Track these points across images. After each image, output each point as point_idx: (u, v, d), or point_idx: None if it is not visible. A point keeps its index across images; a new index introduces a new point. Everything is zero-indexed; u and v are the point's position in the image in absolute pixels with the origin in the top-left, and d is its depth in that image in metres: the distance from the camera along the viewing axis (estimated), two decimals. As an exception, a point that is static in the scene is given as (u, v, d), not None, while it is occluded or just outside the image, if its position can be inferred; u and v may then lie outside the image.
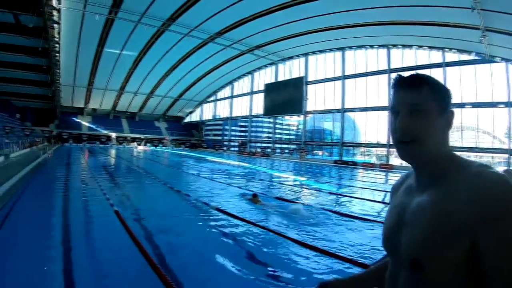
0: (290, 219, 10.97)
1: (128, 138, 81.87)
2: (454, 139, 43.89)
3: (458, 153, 1.38)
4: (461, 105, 40.84)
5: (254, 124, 76.69)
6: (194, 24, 45.46)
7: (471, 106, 40.83)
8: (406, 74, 1.40)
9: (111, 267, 6.47)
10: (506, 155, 38.12)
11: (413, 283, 1.29)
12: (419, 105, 1.30)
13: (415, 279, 1.27)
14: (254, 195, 13.91)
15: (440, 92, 1.34)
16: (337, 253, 7.68)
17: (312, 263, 7.15)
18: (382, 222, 1.63)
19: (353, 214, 12.33)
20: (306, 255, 7.59)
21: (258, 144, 74.34)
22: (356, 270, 6.87)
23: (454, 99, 31.05)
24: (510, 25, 29.32)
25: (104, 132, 79.19)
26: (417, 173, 1.40)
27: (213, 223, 10.10)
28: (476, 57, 40.24)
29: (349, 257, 7.47)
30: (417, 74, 1.36)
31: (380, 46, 49.68)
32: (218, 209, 11.75)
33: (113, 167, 27.75)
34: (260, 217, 11.03)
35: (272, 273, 6.56)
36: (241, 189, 17.20)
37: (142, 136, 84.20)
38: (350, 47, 52.99)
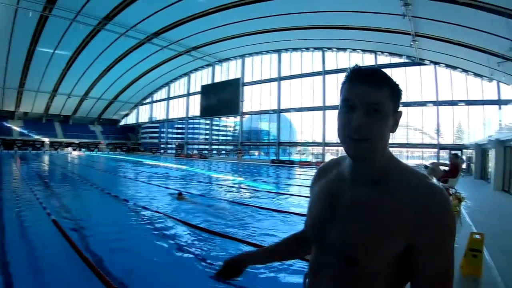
0: (216, 216, 11.76)
1: (62, 143, 77.18)
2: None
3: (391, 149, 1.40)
4: None
5: (191, 126, 76.03)
6: (131, 23, 44.45)
7: (402, 105, 41.54)
8: (363, 67, 1.36)
9: (51, 275, 6.43)
10: (435, 150, 42.23)
11: (344, 277, 1.32)
12: (379, 105, 1.28)
13: (347, 273, 1.31)
14: (180, 194, 15.21)
15: (397, 93, 1.35)
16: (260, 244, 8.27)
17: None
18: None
19: (281, 209, 13.17)
20: (233, 247, 8.18)
21: (195, 146, 73.85)
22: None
23: None
24: (438, 31, 31.36)
25: (37, 137, 73.44)
26: (357, 167, 1.39)
27: (149, 226, 10.27)
28: (407, 60, 43.07)
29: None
30: (379, 71, 1.33)
31: (315, 48, 51.06)
32: (157, 211, 12.03)
33: (48, 175, 26.40)
34: (191, 216, 11.42)
35: (204, 266, 6.91)
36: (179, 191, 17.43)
37: (76, 141, 78.15)
38: (286, 50, 53.94)
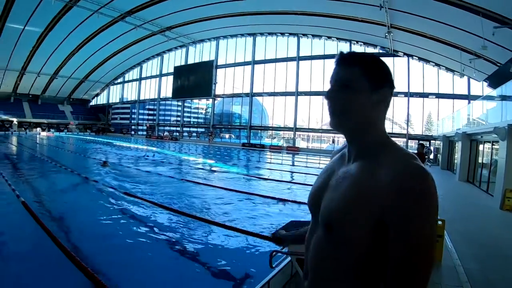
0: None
1: (31, 123, 74.05)
2: None
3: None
4: None
5: (162, 107, 74.67)
6: (104, 1, 43.17)
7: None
8: (348, 52, 1.48)
9: (22, 257, 6.47)
10: (404, 140, 43.05)
11: (323, 243, 1.42)
12: (348, 81, 1.39)
13: (326, 239, 1.40)
14: (104, 162, 17.66)
15: (373, 72, 1.41)
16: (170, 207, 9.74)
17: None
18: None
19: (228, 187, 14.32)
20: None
21: (167, 128, 73.31)
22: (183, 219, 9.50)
23: None
24: (414, 24, 31.94)
25: (4, 117, 70.15)
26: (349, 145, 1.50)
27: (118, 206, 10.69)
28: (381, 51, 43.65)
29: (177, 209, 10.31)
30: (355, 54, 1.45)
31: (290, 34, 51.13)
32: (126, 193, 12.33)
33: (16, 156, 25.97)
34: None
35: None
36: (149, 173, 18.00)
37: (45, 121, 75.57)
38: (262, 34, 53.89)
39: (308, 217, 1.71)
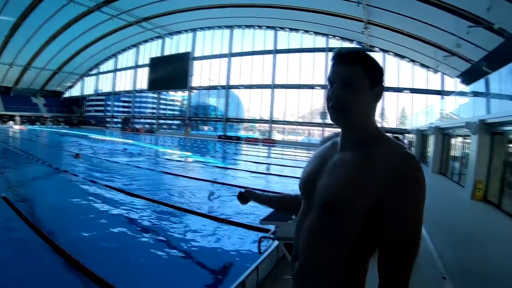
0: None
1: (3, 116, 71.29)
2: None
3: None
4: None
5: (138, 99, 73.86)
6: (81, -11, 42.16)
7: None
8: (344, 49, 1.54)
9: (7, 250, 6.50)
10: None
11: (318, 225, 1.49)
12: (350, 79, 1.46)
13: (323, 220, 1.46)
14: (77, 154, 17.82)
15: (373, 70, 1.50)
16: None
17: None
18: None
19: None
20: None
21: (142, 120, 72.65)
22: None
23: None
24: (390, 21, 32.59)
25: None
26: (344, 135, 1.57)
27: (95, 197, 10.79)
28: (357, 46, 44.40)
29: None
30: (354, 52, 1.52)
31: (268, 27, 51.27)
32: (107, 186, 12.39)
33: None
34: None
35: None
36: (120, 164, 18.22)
37: (18, 114, 72.78)
38: (239, 26, 53.82)
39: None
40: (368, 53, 1.55)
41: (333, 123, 1.55)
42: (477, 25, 22.41)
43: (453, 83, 38.41)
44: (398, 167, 1.34)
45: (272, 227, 4.56)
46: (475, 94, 16.35)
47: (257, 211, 9.34)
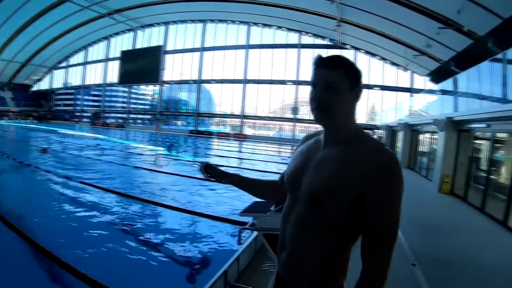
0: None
1: None
2: (304, 112, 48.20)
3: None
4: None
5: (108, 93, 72.00)
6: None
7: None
8: (326, 55, 1.65)
9: None
10: None
11: (306, 218, 1.61)
12: (333, 83, 1.55)
13: (311, 213, 1.58)
14: (44, 149, 17.92)
15: (352, 73, 1.60)
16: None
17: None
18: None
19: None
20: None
21: (112, 115, 71.53)
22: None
23: (306, 78, 35.77)
24: (363, 20, 33.13)
25: None
26: (327, 133, 1.69)
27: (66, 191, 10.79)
28: (330, 43, 45.85)
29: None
30: (335, 57, 1.62)
31: (241, 22, 51.43)
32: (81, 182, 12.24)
33: None
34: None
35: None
36: (90, 159, 18.26)
37: None
38: (212, 20, 53.74)
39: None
40: (347, 57, 1.67)
41: (316, 122, 1.65)
42: (447, 26, 23.08)
43: (422, 82, 39.95)
44: (380, 163, 1.47)
45: (250, 219, 4.67)
46: (444, 92, 17.01)
47: (234, 206, 9.73)
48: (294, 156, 1.89)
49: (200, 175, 2.34)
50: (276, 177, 2.22)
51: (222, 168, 2.34)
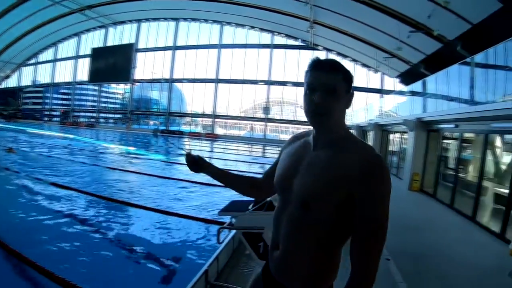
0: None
1: None
2: (275, 112, 48.68)
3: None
4: (283, 83, 49.80)
5: (78, 91, 70.75)
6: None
7: (291, 85, 49.29)
8: (323, 58, 1.68)
9: None
10: None
11: (299, 219, 1.63)
12: (334, 87, 1.57)
13: (303, 215, 1.61)
14: (10, 148, 18.03)
15: (349, 78, 1.63)
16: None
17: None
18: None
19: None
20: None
21: (82, 114, 70.05)
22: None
23: (277, 78, 38.86)
24: (335, 22, 33.85)
25: None
26: (319, 136, 1.70)
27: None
28: (302, 44, 46.96)
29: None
30: (335, 62, 1.63)
31: (214, 21, 51.46)
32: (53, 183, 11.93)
33: None
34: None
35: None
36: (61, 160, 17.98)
37: None
38: (185, 19, 53.53)
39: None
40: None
41: (312, 125, 1.69)
42: (418, 30, 23.90)
43: (392, 83, 41.38)
44: (367, 164, 1.51)
45: (228, 219, 4.67)
46: (413, 93, 17.54)
47: (212, 206, 9.98)
48: (282, 157, 1.92)
49: (185, 167, 2.29)
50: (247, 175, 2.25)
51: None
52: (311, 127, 1.74)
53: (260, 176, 2.24)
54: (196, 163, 2.20)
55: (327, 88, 1.58)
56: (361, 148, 1.60)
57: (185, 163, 2.23)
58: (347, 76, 1.63)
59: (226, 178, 2.25)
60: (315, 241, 1.61)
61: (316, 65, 1.64)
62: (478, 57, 10.29)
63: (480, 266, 6.34)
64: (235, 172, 2.30)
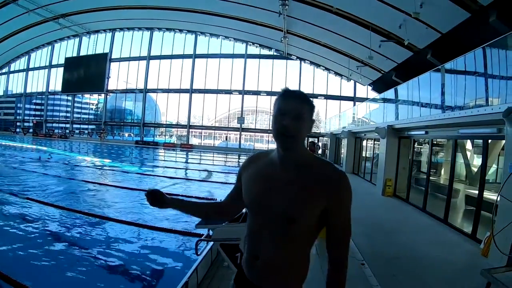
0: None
1: None
2: (249, 121, 48.83)
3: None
4: (257, 93, 50.33)
5: (51, 102, 68.74)
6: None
7: (265, 94, 49.97)
8: (292, 89, 1.89)
9: None
10: None
11: (284, 232, 1.82)
12: (301, 114, 1.77)
13: (287, 229, 1.80)
14: None
15: (312, 109, 1.86)
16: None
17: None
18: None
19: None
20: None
21: (55, 125, 68.15)
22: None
23: (252, 88, 40.73)
24: (308, 32, 34.52)
25: None
26: (286, 156, 1.87)
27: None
28: (276, 53, 47.77)
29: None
30: (303, 93, 1.86)
31: (189, 31, 51.44)
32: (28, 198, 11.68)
33: None
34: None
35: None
36: (29, 173, 17.76)
37: None
38: (160, 29, 53.32)
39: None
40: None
41: (281, 146, 1.84)
42: (389, 39, 24.59)
43: (364, 91, 42.98)
44: (337, 181, 1.79)
45: (205, 231, 4.76)
46: (385, 101, 18.01)
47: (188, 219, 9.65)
48: (248, 178, 2.04)
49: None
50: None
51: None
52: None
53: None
54: (157, 200, 2.17)
55: (296, 114, 1.76)
56: (326, 165, 1.88)
57: (147, 201, 2.19)
58: (312, 107, 1.85)
59: (190, 209, 2.39)
60: (297, 247, 1.86)
61: (287, 93, 1.83)
62: (448, 66, 10.66)
63: (453, 266, 6.62)
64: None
